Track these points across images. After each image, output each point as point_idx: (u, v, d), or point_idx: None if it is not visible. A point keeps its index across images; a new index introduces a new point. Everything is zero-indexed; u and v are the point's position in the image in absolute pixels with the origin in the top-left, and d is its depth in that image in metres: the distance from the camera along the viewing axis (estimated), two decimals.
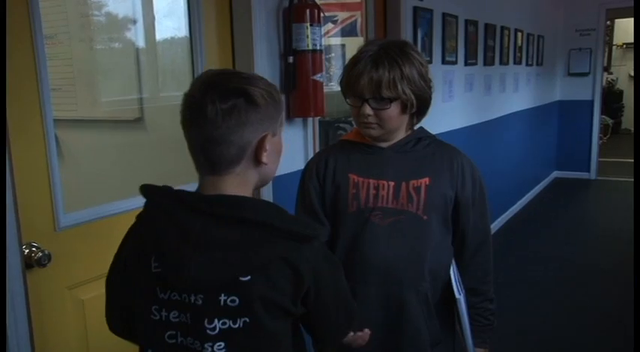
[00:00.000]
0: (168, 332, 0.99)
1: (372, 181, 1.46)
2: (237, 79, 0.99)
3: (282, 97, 1.07)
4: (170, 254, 0.95)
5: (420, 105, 1.44)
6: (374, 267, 1.45)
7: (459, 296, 1.45)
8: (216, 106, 0.94)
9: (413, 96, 1.39)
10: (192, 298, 0.95)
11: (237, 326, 0.95)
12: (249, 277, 0.94)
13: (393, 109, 1.40)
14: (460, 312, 1.46)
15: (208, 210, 0.94)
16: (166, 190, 1.00)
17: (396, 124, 1.44)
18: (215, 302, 0.94)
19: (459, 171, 1.49)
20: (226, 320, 0.95)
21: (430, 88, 1.44)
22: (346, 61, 1.49)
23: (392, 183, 1.45)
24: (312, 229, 1.01)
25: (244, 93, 0.96)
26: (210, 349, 0.96)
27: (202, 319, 0.95)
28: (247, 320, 0.95)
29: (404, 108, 1.41)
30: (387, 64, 1.36)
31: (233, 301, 0.94)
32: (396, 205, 1.44)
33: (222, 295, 0.94)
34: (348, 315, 1.14)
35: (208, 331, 0.95)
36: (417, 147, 1.49)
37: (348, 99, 1.46)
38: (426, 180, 1.45)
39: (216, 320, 0.95)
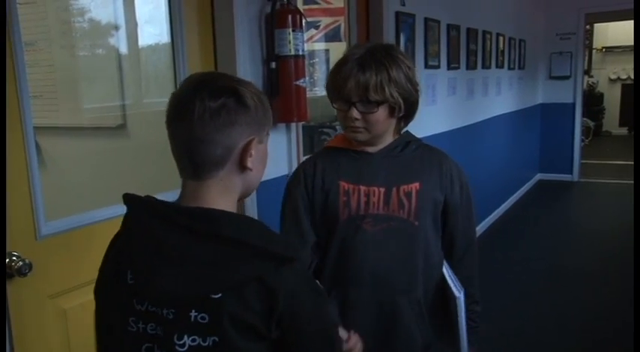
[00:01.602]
0: (145, 345, 0.95)
1: (362, 188, 1.44)
2: (227, 79, 0.98)
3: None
4: (141, 266, 0.93)
5: (408, 108, 1.43)
6: (366, 274, 1.45)
7: (459, 295, 1.43)
8: (205, 104, 0.92)
9: (401, 100, 1.38)
10: (165, 312, 0.93)
11: (206, 344, 0.91)
12: (220, 295, 0.90)
13: (381, 113, 1.38)
14: (459, 311, 1.45)
15: (184, 223, 0.91)
16: (145, 201, 0.97)
17: (384, 128, 1.43)
18: (186, 317, 0.91)
19: (448, 175, 1.49)
20: (196, 338, 0.92)
21: (417, 91, 1.44)
22: (331, 66, 1.48)
23: (382, 189, 1.44)
24: (293, 250, 0.96)
25: (235, 93, 0.94)
26: None
27: (172, 334, 0.92)
28: (216, 339, 0.91)
29: (392, 112, 1.40)
30: (374, 67, 1.35)
31: (203, 318, 0.91)
32: (387, 211, 1.43)
33: (193, 311, 0.91)
34: (328, 348, 1.03)
35: (177, 347, 0.92)
36: (405, 151, 1.48)
37: (334, 104, 1.44)
38: (416, 185, 1.44)
39: (185, 337, 0.92)
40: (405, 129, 1.53)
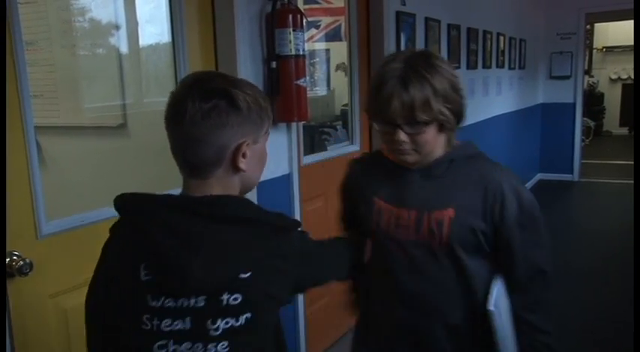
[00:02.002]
0: (158, 343, 0.95)
1: (393, 209, 1.37)
2: (222, 81, 0.99)
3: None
4: (169, 259, 0.93)
5: (458, 120, 1.32)
6: (400, 297, 1.39)
7: (492, 308, 1.31)
8: (197, 105, 0.94)
9: (450, 115, 1.27)
10: (193, 301, 0.94)
11: (239, 323, 0.95)
12: (249, 273, 0.95)
13: (430, 132, 1.27)
14: (493, 326, 1.32)
15: (200, 210, 0.94)
16: (148, 196, 0.99)
17: (433, 145, 1.31)
18: (217, 302, 0.94)
19: (497, 197, 1.32)
20: (229, 319, 0.95)
21: (462, 97, 1.32)
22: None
23: (413, 213, 1.34)
24: (292, 220, 1.05)
25: (227, 95, 0.96)
26: (214, 349, 0.95)
27: (205, 321, 0.95)
28: (249, 316, 0.96)
29: (441, 128, 1.29)
30: (417, 82, 1.23)
31: (235, 299, 0.95)
32: (417, 237, 1.34)
33: (225, 294, 0.94)
34: (339, 268, 1.31)
35: (212, 332, 0.95)
36: (448, 171, 1.35)
37: (376, 125, 1.32)
38: (450, 213, 1.31)
39: (219, 320, 0.95)
40: (463, 140, 1.43)
